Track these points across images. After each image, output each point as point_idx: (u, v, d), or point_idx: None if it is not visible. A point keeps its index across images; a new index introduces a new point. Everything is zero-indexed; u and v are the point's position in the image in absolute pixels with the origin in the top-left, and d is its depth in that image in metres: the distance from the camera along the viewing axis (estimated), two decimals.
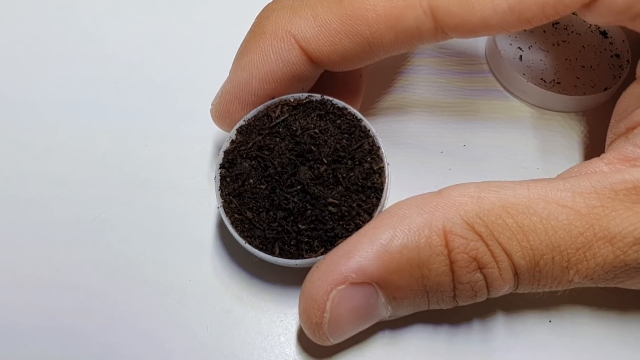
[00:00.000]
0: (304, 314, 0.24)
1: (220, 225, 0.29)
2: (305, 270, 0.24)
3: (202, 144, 0.32)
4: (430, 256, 0.23)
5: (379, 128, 0.26)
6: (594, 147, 0.32)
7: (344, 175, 0.24)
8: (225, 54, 0.29)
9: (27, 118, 0.33)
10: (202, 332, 0.27)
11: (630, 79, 0.28)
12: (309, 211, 0.24)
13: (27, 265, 0.29)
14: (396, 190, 0.26)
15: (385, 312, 0.24)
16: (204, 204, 0.30)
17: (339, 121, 0.25)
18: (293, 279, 0.28)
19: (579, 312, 0.27)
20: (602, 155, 0.25)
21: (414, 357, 0.26)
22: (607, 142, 0.27)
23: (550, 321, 0.27)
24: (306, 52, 0.26)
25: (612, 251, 0.22)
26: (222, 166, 0.26)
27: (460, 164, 0.31)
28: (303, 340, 0.27)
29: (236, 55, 0.27)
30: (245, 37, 0.27)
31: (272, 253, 0.24)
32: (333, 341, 0.24)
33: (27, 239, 0.29)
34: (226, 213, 0.25)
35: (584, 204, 0.23)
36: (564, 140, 0.32)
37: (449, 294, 0.24)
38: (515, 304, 0.27)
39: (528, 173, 0.31)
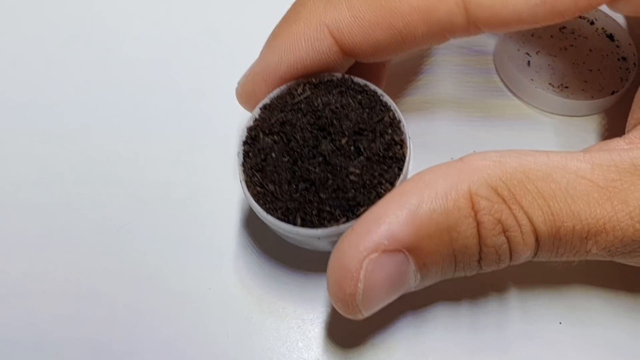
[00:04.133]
0: (335, 284, 0.22)
1: (240, 233, 0.30)
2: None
3: (223, 152, 0.32)
4: (458, 219, 0.22)
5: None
6: None
7: (365, 146, 0.25)
8: (243, 56, 0.30)
9: (49, 126, 0.34)
10: (223, 338, 0.27)
11: (638, 81, 0.28)
12: (330, 181, 0.24)
13: (51, 273, 0.29)
14: None
15: (414, 281, 0.24)
16: (224, 212, 0.30)
17: (359, 97, 0.26)
18: (311, 286, 0.28)
19: (590, 297, 0.28)
20: (623, 136, 0.25)
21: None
22: (628, 128, 0.27)
23: (560, 323, 0.27)
24: (338, 42, 0.26)
25: (631, 225, 0.22)
26: (245, 142, 0.26)
27: None
28: (321, 346, 0.27)
29: (269, 37, 0.28)
30: (279, 22, 0.28)
31: (294, 223, 0.24)
32: (365, 314, 0.23)
33: (50, 247, 0.30)
34: (248, 187, 0.25)
35: (603, 177, 0.23)
36: (574, 144, 0.33)
37: (475, 258, 0.23)
38: (530, 284, 0.28)
39: None
